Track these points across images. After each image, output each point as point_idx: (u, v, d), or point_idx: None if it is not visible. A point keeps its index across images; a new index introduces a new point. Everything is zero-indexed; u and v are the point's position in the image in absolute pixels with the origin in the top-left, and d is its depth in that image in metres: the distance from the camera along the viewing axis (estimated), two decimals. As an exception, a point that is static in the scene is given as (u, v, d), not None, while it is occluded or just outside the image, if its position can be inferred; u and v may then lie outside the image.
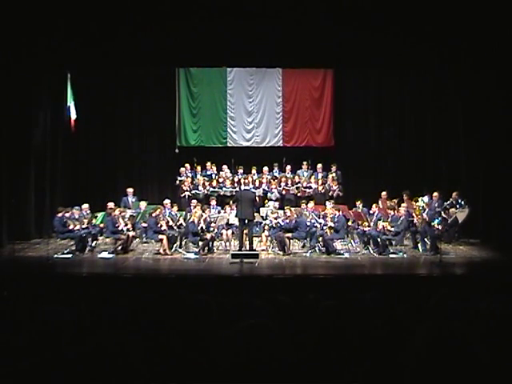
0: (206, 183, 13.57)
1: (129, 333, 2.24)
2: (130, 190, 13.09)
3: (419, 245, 11.51)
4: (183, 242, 11.71)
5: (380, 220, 11.27)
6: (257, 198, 12.07)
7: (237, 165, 13.98)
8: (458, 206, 12.09)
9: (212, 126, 15.09)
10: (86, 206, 11.84)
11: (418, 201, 11.82)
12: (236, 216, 11.20)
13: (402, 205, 11.72)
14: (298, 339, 2.63)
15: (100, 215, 11.87)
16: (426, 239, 11.36)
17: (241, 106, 15.08)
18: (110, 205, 11.69)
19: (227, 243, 11.67)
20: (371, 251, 11.21)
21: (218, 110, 15.06)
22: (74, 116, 13.27)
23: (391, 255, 10.92)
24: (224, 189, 13.51)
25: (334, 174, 13.62)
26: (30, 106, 12.45)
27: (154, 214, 11.40)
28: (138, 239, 12.02)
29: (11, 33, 10.68)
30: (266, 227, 11.93)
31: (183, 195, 13.33)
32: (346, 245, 11.76)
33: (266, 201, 13.13)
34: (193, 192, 13.41)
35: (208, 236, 11.13)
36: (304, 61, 12.37)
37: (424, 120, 14.49)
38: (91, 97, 14.21)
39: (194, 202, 12.47)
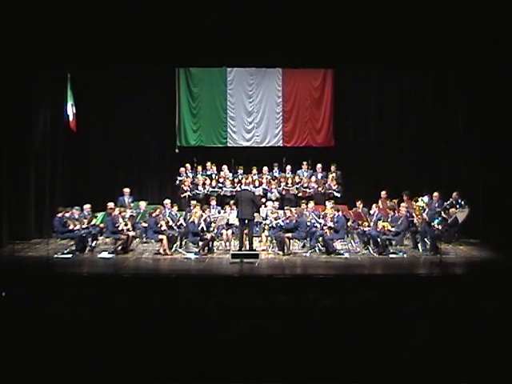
0: (206, 183, 13.57)
1: (129, 333, 2.24)
2: (126, 190, 12.99)
3: (419, 245, 11.51)
4: (183, 242, 11.71)
5: (380, 220, 11.27)
6: (256, 200, 12.02)
7: (237, 165, 14.01)
8: (457, 206, 12.09)
9: (212, 126, 15.09)
10: (87, 206, 11.84)
11: (418, 201, 11.82)
12: (237, 216, 11.20)
13: (402, 205, 11.72)
14: (297, 339, 2.63)
15: (100, 215, 11.87)
16: (426, 239, 11.36)
17: (241, 106, 15.08)
18: (110, 205, 11.68)
19: (227, 243, 11.67)
20: (371, 251, 11.21)
21: (218, 110, 15.06)
22: (72, 117, 13.26)
23: (391, 255, 10.93)
24: (224, 189, 13.51)
25: (334, 174, 13.62)
26: (29, 106, 12.45)
27: (153, 214, 11.40)
28: (138, 239, 12.02)
29: (11, 33, 10.68)
30: (266, 227, 11.93)
31: (183, 195, 13.33)
32: (346, 245, 11.77)
33: (264, 200, 13.01)
34: (193, 192, 13.41)
35: (208, 236, 11.12)
36: (304, 61, 12.35)
37: (424, 120, 14.49)
38: (91, 97, 14.20)
39: (194, 202, 12.47)
